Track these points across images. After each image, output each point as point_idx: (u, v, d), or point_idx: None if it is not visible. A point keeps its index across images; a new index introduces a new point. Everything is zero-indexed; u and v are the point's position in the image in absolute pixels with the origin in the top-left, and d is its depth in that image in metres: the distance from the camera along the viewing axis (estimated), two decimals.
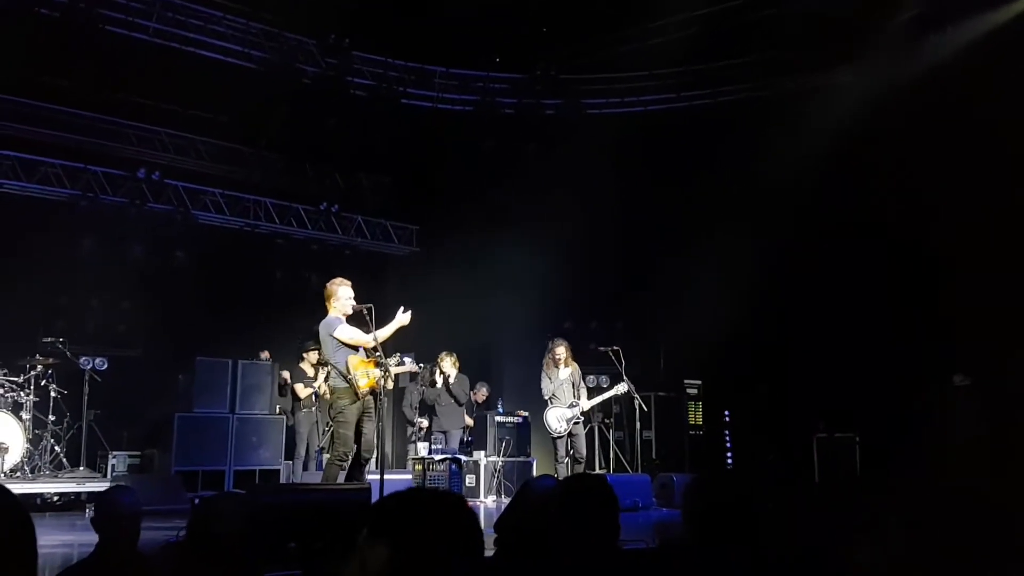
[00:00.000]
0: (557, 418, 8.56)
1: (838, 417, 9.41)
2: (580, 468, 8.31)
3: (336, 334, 6.18)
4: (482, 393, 10.58)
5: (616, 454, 10.11)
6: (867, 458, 9.07)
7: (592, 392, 9.00)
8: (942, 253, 7.98)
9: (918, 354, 8.29)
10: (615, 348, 9.23)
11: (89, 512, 6.69)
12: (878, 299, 8.80)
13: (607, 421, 10.26)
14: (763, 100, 10.27)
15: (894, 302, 8.63)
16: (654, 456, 10.34)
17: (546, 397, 8.63)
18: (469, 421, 10.13)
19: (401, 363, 6.69)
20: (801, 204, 9.27)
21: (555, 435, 8.54)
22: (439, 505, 1.46)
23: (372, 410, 6.19)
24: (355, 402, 6.11)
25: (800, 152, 8.95)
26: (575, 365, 8.72)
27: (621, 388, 8.83)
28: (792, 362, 9.65)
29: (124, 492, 3.33)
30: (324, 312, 6.33)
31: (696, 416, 10.82)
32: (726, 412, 11.00)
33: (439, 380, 9.62)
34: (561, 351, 8.64)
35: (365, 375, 6.12)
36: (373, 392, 6.14)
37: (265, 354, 10.16)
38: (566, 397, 8.61)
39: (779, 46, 9.89)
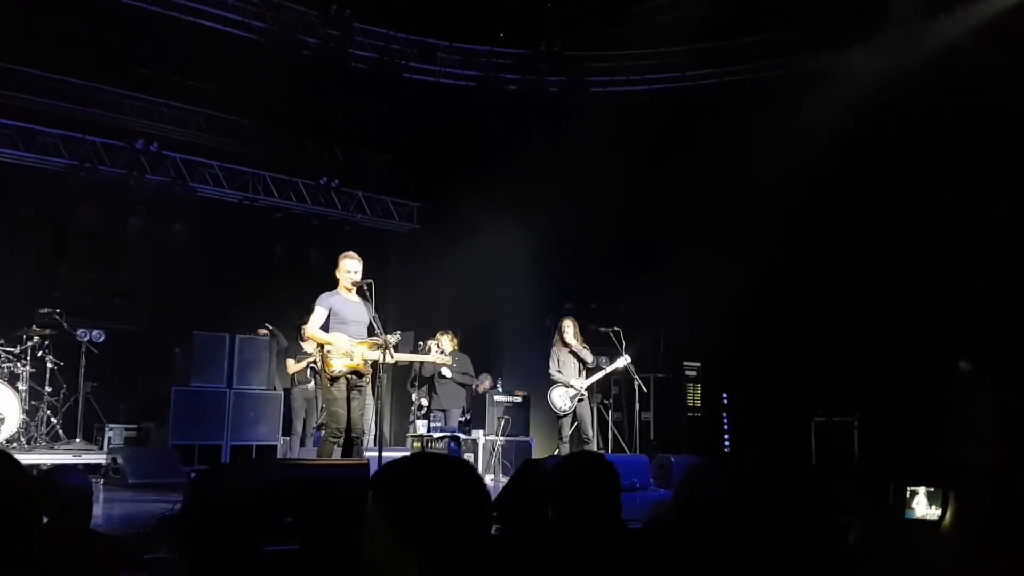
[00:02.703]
0: (559, 395, 8.64)
1: (837, 400, 9.38)
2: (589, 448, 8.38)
3: (314, 311, 6.12)
4: (485, 385, 10.49)
5: (615, 435, 10.09)
6: (866, 442, 9.04)
7: (591, 372, 9.01)
8: (952, 234, 7.91)
9: (922, 337, 8.24)
10: (615, 329, 9.26)
11: None
12: (883, 281, 8.74)
13: (606, 402, 10.23)
14: (770, 81, 10.15)
15: (899, 283, 8.57)
16: (652, 437, 10.32)
17: (552, 375, 8.70)
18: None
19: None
20: (805, 186, 9.18)
21: (560, 413, 8.61)
22: (446, 470, 1.41)
23: (361, 389, 6.11)
24: (336, 380, 6.04)
25: (806, 133, 8.85)
26: (581, 342, 8.76)
27: (621, 363, 8.94)
28: (792, 345, 9.61)
29: (70, 473, 3.25)
30: (327, 286, 6.31)
31: (695, 398, 10.80)
32: (724, 395, 10.98)
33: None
34: (568, 327, 8.71)
35: (347, 355, 6.02)
36: (358, 372, 6.07)
37: (263, 330, 10.08)
38: (571, 374, 8.66)
39: (788, 25, 9.76)
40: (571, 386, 8.58)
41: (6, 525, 1.21)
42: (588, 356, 8.75)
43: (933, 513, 4.26)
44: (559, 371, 8.67)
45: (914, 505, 4.51)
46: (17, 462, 1.30)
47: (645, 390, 9.62)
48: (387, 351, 5.93)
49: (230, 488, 2.05)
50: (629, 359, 8.96)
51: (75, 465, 7.38)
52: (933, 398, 7.68)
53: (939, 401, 7.56)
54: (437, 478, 1.39)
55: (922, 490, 4.47)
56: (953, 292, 7.96)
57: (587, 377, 8.76)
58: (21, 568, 1.25)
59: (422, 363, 9.57)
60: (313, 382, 9.56)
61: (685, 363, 10.82)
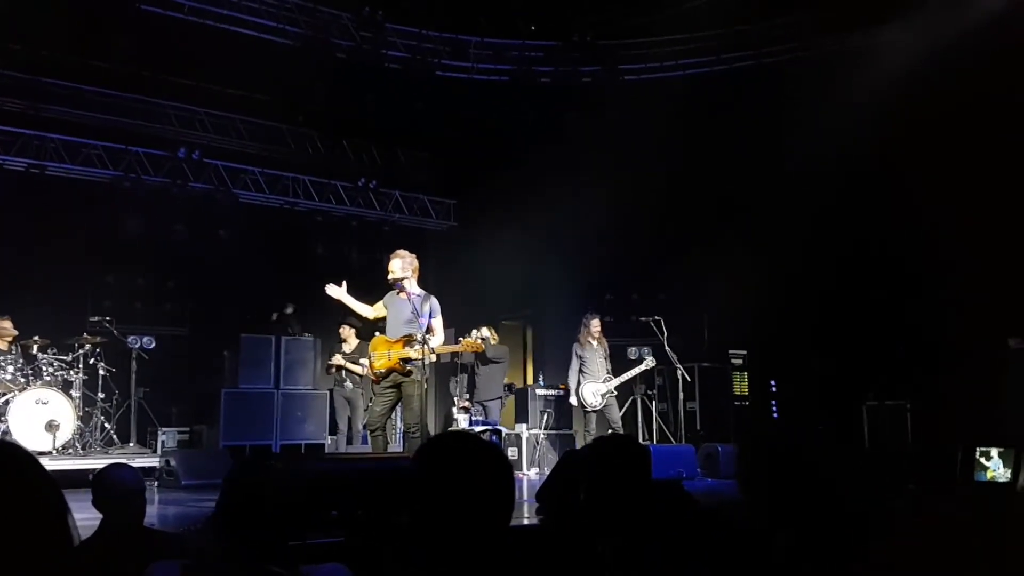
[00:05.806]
0: (592, 392, 8.78)
1: (888, 384, 9.17)
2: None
3: None
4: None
5: (659, 425, 10.01)
6: (918, 426, 8.83)
7: (617, 366, 9.10)
8: (995, 213, 7.69)
9: (971, 318, 8.01)
10: (656, 318, 9.22)
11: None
12: (928, 262, 8.51)
13: (650, 392, 10.16)
14: (808, 61, 9.93)
15: (945, 264, 8.34)
16: (699, 427, 10.21)
17: (574, 369, 8.86)
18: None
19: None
20: (849, 169, 8.99)
21: (590, 409, 8.77)
22: (469, 446, 1.41)
23: (407, 384, 6.16)
24: (374, 381, 6.29)
25: (848, 114, 8.64)
26: (604, 341, 9.03)
27: (648, 363, 9.06)
28: (840, 329, 9.42)
29: (123, 469, 3.30)
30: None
31: (741, 386, 10.66)
32: (772, 382, 10.82)
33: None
34: (597, 325, 8.93)
35: (384, 356, 6.17)
36: (395, 370, 6.16)
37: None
38: (599, 372, 8.81)
39: (824, 4, 9.55)
40: (602, 382, 8.76)
41: (28, 521, 1.20)
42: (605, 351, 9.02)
43: (1004, 474, 4.09)
44: (585, 368, 8.83)
45: (987, 465, 4.33)
46: (31, 456, 1.30)
47: (689, 379, 9.56)
48: (424, 347, 5.96)
49: (260, 481, 2.07)
50: (653, 362, 9.12)
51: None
52: (980, 376, 7.47)
53: (987, 379, 7.36)
54: (461, 453, 1.39)
55: (994, 451, 4.29)
56: (1000, 268, 7.72)
57: (615, 375, 8.91)
58: (54, 566, 1.24)
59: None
60: (349, 382, 9.62)
61: (731, 351, 10.68)
